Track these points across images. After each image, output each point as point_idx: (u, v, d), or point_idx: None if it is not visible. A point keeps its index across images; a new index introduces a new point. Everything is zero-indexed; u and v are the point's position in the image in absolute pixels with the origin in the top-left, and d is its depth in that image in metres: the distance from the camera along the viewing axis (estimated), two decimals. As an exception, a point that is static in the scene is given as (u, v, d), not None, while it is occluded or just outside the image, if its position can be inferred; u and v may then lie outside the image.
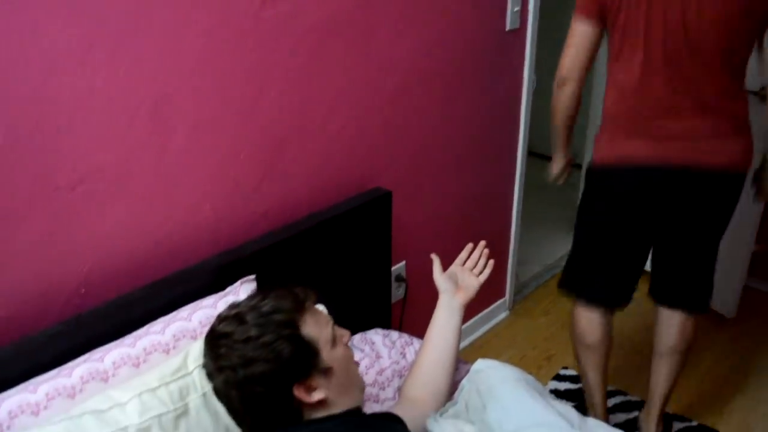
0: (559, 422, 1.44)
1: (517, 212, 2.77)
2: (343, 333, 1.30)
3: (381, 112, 1.95)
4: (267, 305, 1.19)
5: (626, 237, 1.99)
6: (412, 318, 2.31)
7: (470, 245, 1.70)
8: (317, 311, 1.25)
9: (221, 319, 1.20)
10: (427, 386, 1.54)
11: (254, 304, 1.19)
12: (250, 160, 1.63)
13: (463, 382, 1.62)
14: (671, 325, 2.12)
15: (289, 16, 1.60)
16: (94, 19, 1.25)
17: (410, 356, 1.79)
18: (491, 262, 1.67)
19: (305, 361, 1.17)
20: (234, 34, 1.50)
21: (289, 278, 1.68)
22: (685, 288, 2.09)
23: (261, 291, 1.24)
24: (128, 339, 1.30)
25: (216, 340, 1.17)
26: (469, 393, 1.57)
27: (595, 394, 2.19)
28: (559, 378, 2.56)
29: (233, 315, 1.19)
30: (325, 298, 1.76)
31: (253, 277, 1.50)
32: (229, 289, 1.47)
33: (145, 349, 1.29)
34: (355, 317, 1.87)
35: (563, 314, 2.98)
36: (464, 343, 2.68)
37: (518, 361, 2.67)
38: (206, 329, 1.37)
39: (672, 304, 2.10)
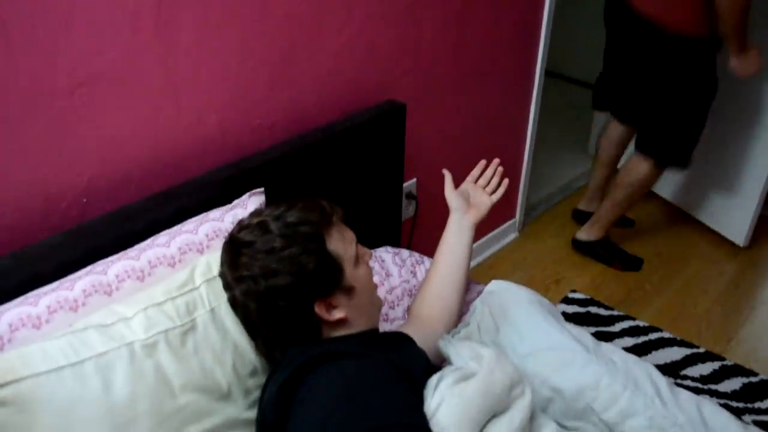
0: (574, 345, 1.41)
1: (532, 133, 2.68)
2: (366, 252, 1.25)
3: (396, 23, 1.84)
4: (293, 216, 1.13)
5: None
6: (422, 237, 2.27)
7: (483, 162, 1.63)
8: (343, 227, 1.20)
9: (243, 226, 1.14)
10: (437, 305, 1.50)
11: (279, 213, 1.13)
12: (258, 68, 1.54)
13: (476, 302, 1.59)
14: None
15: None
16: None
17: (420, 275, 1.75)
18: (505, 181, 1.60)
19: (329, 277, 1.12)
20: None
21: (298, 192, 1.63)
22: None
23: (286, 201, 1.18)
24: (132, 251, 1.25)
25: (237, 248, 1.12)
26: (482, 314, 1.53)
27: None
28: (567, 301, 2.54)
29: (256, 223, 1.13)
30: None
31: (261, 190, 1.44)
32: (236, 202, 1.41)
33: (149, 262, 1.23)
34: (364, 233, 1.82)
35: (573, 236, 2.93)
36: (473, 264, 2.64)
37: (526, 282, 2.56)
38: (213, 242, 1.33)
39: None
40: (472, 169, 1.62)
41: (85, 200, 1.32)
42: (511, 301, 1.52)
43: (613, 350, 1.48)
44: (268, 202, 1.44)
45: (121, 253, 1.24)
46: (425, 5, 1.90)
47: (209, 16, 1.39)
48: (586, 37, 3.54)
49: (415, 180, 2.16)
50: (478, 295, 1.72)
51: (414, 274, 1.75)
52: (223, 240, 1.21)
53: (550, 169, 3.37)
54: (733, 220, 2.88)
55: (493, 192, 1.59)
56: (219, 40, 1.43)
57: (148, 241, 1.28)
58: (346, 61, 1.75)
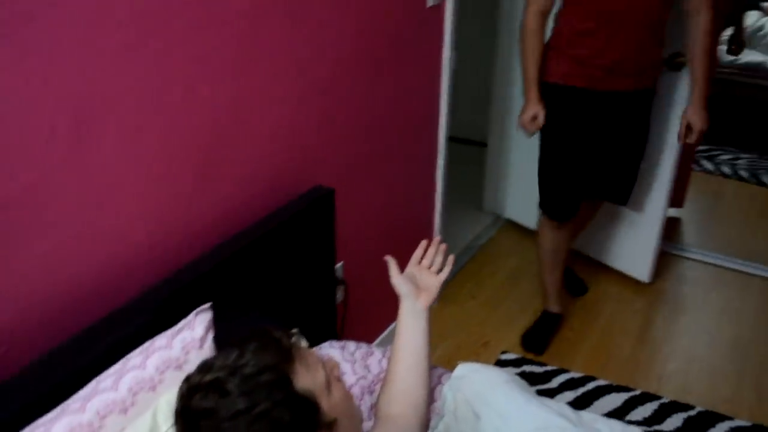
0: (560, 422, 1.34)
1: (441, 197, 2.66)
2: (332, 366, 1.13)
3: (312, 105, 1.76)
4: (249, 364, 0.98)
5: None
6: (354, 321, 2.16)
7: (424, 242, 1.56)
8: (304, 353, 1.07)
9: (194, 388, 0.97)
10: (404, 400, 1.38)
11: (232, 364, 0.98)
12: (182, 169, 1.40)
13: (445, 391, 1.49)
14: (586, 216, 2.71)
15: (214, 2, 1.38)
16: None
17: (374, 368, 1.64)
18: (451, 257, 1.54)
19: (307, 422, 0.99)
20: (158, 24, 1.26)
21: (238, 296, 1.48)
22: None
23: (233, 343, 1.03)
24: (74, 403, 1.05)
25: (194, 421, 0.95)
26: (456, 403, 1.44)
27: (555, 286, 2.69)
28: (501, 363, 2.50)
29: (209, 383, 0.96)
30: (270, 307, 1.61)
31: (208, 305, 1.28)
32: (182, 323, 1.24)
33: (98, 413, 1.05)
34: (300, 322, 1.70)
35: (490, 295, 2.93)
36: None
37: (455, 351, 2.59)
38: (166, 376, 1.16)
39: (597, 197, 2.60)
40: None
41: (3, 350, 1.11)
42: (485, 385, 1.44)
43: (596, 418, 1.44)
44: (218, 317, 1.29)
45: (61, 407, 1.05)
46: (338, 84, 1.84)
47: (128, 119, 1.24)
48: (465, 98, 3.64)
49: (341, 263, 2.06)
50: (439, 381, 1.64)
51: (368, 368, 1.64)
52: (177, 372, 1.05)
53: (451, 230, 3.38)
54: (635, 258, 3.00)
55: (440, 271, 1.53)
56: (140, 144, 1.28)
57: (91, 387, 1.09)
58: (270, 151, 1.64)
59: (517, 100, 3.25)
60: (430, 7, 2.20)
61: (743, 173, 4.21)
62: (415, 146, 2.40)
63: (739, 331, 2.74)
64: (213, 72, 1.41)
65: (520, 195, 3.42)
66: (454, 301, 2.89)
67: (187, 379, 1.01)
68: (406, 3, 2.08)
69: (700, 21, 2.21)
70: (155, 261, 1.38)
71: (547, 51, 2.28)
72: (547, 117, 2.31)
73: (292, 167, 1.74)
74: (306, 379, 1.02)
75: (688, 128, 2.36)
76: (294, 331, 1.13)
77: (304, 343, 1.15)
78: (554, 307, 2.69)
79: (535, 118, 2.30)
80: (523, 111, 2.32)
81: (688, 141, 2.40)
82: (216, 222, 1.52)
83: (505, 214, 3.54)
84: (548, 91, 2.30)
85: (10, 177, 1.06)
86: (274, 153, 1.66)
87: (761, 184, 4.12)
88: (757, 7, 4.98)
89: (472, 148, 4.06)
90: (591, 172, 2.44)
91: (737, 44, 3.91)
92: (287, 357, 1.02)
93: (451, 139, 2.63)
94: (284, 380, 0.99)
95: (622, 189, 2.55)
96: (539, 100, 2.29)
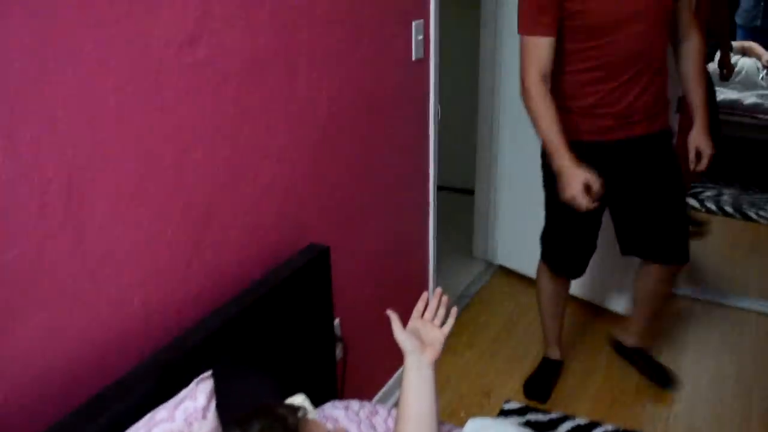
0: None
1: (434, 247, 2.65)
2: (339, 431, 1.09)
3: (303, 162, 1.75)
4: None
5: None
6: (353, 379, 2.11)
7: (425, 294, 1.54)
8: (312, 428, 1.03)
9: None
10: (417, 458, 1.34)
11: None
12: (178, 236, 1.37)
13: (458, 448, 1.45)
14: (648, 283, 2.46)
15: (210, 62, 1.38)
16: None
17: (381, 427, 1.60)
18: (454, 310, 1.52)
19: None
20: (151, 87, 1.25)
21: (237, 359, 1.44)
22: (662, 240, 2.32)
23: (237, 422, 0.99)
24: (74, 487, 1.00)
25: None
26: (469, 459, 1.40)
27: (554, 333, 2.62)
28: (504, 413, 2.45)
29: None
30: (270, 369, 1.57)
31: (209, 374, 1.24)
32: (183, 393, 1.20)
33: (100, 496, 1.00)
34: (299, 383, 1.65)
35: (487, 344, 2.89)
36: (394, 398, 2.49)
37: (457, 402, 2.53)
38: (170, 451, 1.11)
39: (650, 257, 2.38)
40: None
41: (-2, 431, 1.06)
42: (498, 440, 1.40)
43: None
44: (219, 387, 1.24)
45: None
46: (330, 141, 1.84)
47: (122, 186, 1.22)
48: (451, 147, 3.66)
49: (338, 320, 2.02)
50: (448, 437, 1.59)
51: (374, 427, 1.59)
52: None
53: (443, 279, 3.35)
54: (615, 292, 2.99)
55: (443, 323, 1.50)
56: (135, 212, 1.26)
57: (91, 468, 1.04)
58: (263, 211, 1.62)
59: (502, 145, 3.28)
60: (415, 61, 2.22)
61: (728, 208, 4.24)
62: (406, 197, 2.39)
63: (741, 366, 2.71)
64: (205, 136, 1.40)
65: (509, 241, 3.42)
66: (452, 352, 2.84)
67: None
68: (393, 57, 2.10)
69: (692, 45, 2.19)
70: (153, 329, 1.34)
71: None
72: (549, 181, 2.21)
73: (285, 225, 1.71)
74: None
75: (698, 155, 2.26)
76: (299, 402, 1.09)
77: (311, 414, 1.11)
78: (554, 354, 2.65)
79: (587, 185, 1.96)
80: (565, 185, 2.00)
81: (699, 168, 2.28)
82: (212, 286, 1.49)
83: (497, 261, 3.53)
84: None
85: (1, 248, 1.03)
86: (268, 212, 1.64)
87: (747, 218, 4.15)
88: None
89: (460, 196, 4.07)
90: (628, 230, 2.32)
91: (727, 68, 3.96)
92: None
93: (439, 188, 2.63)
94: None
95: (675, 245, 2.31)
96: (578, 163, 1.98)
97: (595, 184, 1.96)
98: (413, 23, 2.17)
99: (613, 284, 3.01)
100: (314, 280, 1.72)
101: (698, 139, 2.25)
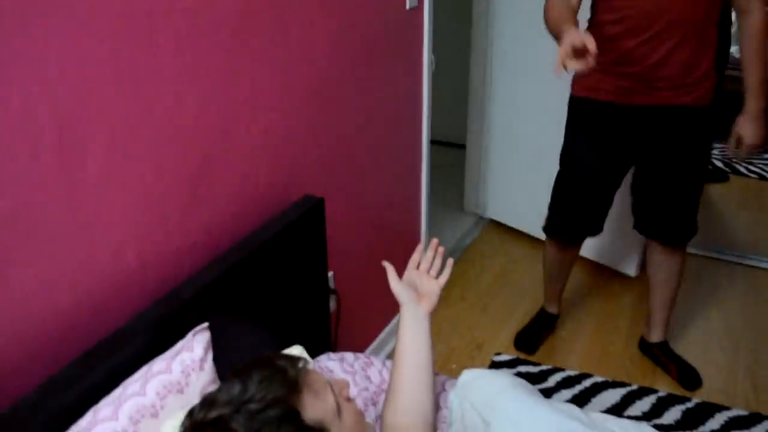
0: (574, 426, 1.31)
1: (426, 199, 2.64)
2: (341, 386, 1.09)
3: (298, 113, 1.72)
4: (254, 399, 0.94)
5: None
6: (346, 331, 2.11)
7: (420, 246, 1.53)
8: (311, 380, 1.02)
9: (198, 426, 0.93)
10: (411, 409, 1.35)
11: (237, 398, 0.94)
12: (172, 186, 1.34)
13: (451, 398, 1.46)
14: (655, 261, 2.35)
15: (202, 8, 1.33)
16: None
17: (375, 378, 1.60)
18: (450, 261, 1.51)
19: None
20: (144, 34, 1.21)
21: (232, 310, 1.43)
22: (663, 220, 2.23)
23: (236, 373, 0.98)
24: (73, 437, 1.00)
25: None
26: (463, 410, 1.41)
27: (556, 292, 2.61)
28: (495, 365, 2.47)
29: (213, 420, 0.92)
30: (265, 320, 1.57)
31: (206, 325, 1.23)
32: (180, 345, 1.19)
33: (99, 446, 0.99)
34: (296, 334, 1.66)
35: (479, 297, 2.91)
36: (387, 350, 2.51)
37: (449, 354, 2.55)
38: (167, 401, 1.11)
39: (650, 235, 2.29)
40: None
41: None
42: (492, 390, 1.40)
43: (606, 418, 1.41)
44: (216, 340, 1.24)
45: (60, 443, 0.99)
46: (325, 89, 1.80)
47: (116, 135, 1.19)
48: (442, 101, 3.62)
49: (332, 273, 2.02)
50: (443, 388, 1.60)
51: (369, 378, 1.60)
52: (179, 396, 1.00)
53: (435, 232, 3.35)
54: (622, 253, 2.99)
55: (439, 274, 1.49)
56: (129, 161, 1.23)
57: (89, 417, 1.04)
58: (257, 162, 1.59)
59: (494, 99, 3.24)
60: (409, 10, 2.17)
61: (717, 163, 4.25)
62: (399, 150, 2.36)
63: (728, 320, 2.75)
64: (199, 84, 1.36)
65: (500, 195, 3.41)
66: (444, 304, 2.85)
67: (190, 414, 0.96)
68: (386, 7, 2.05)
69: (750, 21, 1.96)
70: (148, 281, 1.33)
71: None
72: (567, 134, 2.15)
73: (279, 177, 1.69)
74: (315, 409, 0.98)
75: (739, 141, 2.07)
76: (297, 354, 1.08)
77: (310, 366, 1.10)
78: (553, 308, 2.66)
79: (574, 46, 1.60)
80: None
81: (737, 156, 2.15)
82: (207, 237, 1.47)
83: (487, 214, 3.53)
84: (571, 104, 2.14)
85: (-5, 200, 1.00)
86: (262, 164, 1.61)
87: (736, 172, 4.16)
88: None
89: (451, 150, 4.05)
90: (641, 205, 2.23)
91: None
92: (294, 388, 0.98)
93: (431, 142, 2.60)
94: (292, 414, 0.94)
95: (672, 228, 2.22)
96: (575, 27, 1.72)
97: (590, 44, 1.56)
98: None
99: (624, 246, 3.01)
100: (309, 231, 1.70)
101: (743, 126, 2.04)
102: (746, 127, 2.03)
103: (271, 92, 1.59)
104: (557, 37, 1.75)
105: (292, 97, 1.68)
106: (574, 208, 2.26)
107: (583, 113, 2.11)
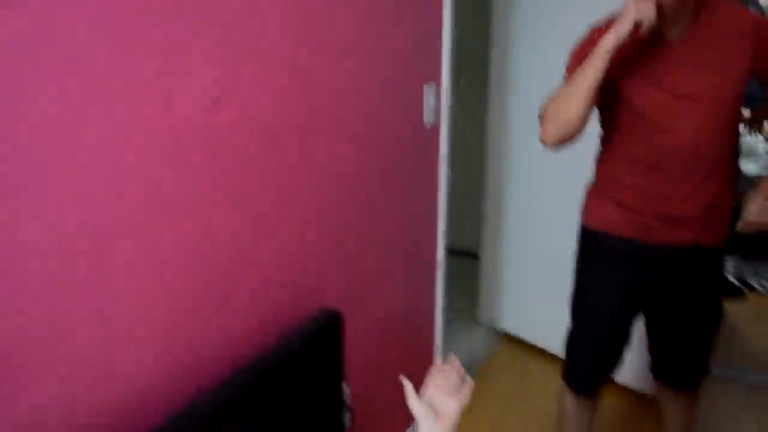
0: None
1: (441, 310, 2.62)
2: None
3: (320, 224, 1.75)
4: None
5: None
6: (360, 449, 2.05)
7: (438, 361, 1.50)
8: None
9: None
10: None
11: None
12: (196, 299, 1.35)
13: None
14: (670, 408, 2.18)
15: (231, 123, 1.38)
16: (24, 151, 0.96)
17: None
18: (469, 381, 1.47)
19: None
20: (177, 148, 1.25)
21: (246, 425, 1.39)
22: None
23: None
24: None
25: None
26: None
27: None
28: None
29: None
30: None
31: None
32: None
33: None
34: None
35: (493, 421, 2.83)
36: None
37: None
38: None
39: (665, 382, 2.13)
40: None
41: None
42: None
43: None
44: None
45: None
46: (340, 205, 1.83)
47: (146, 250, 1.20)
48: (456, 210, 3.67)
49: (348, 389, 1.98)
50: None
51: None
52: None
53: (448, 345, 3.30)
54: (641, 371, 2.93)
55: (458, 393, 1.45)
56: (156, 276, 1.24)
57: None
58: (279, 274, 1.60)
59: (508, 209, 3.28)
60: (427, 127, 2.24)
61: (731, 278, 4.23)
62: (415, 261, 2.37)
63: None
64: (227, 198, 1.39)
65: (515, 307, 3.39)
66: (466, 424, 2.76)
67: None
68: (406, 124, 2.11)
69: None
70: (166, 395, 1.30)
71: (587, 192, 1.99)
72: (580, 269, 2.03)
73: (297, 289, 1.69)
74: None
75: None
76: None
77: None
78: None
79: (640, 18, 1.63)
80: (618, 26, 1.65)
81: (735, 229, 1.98)
82: (227, 350, 1.45)
83: (502, 327, 3.49)
84: (586, 237, 2.00)
85: (22, 308, 1.00)
86: (281, 276, 1.62)
87: (750, 288, 4.13)
88: None
89: (465, 260, 4.06)
90: (657, 348, 2.09)
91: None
92: None
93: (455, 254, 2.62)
94: None
95: (687, 372, 2.07)
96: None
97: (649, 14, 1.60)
98: (425, 86, 2.20)
99: (642, 365, 2.89)
100: (326, 346, 1.68)
101: (748, 198, 1.81)
102: (750, 203, 1.80)
103: (294, 206, 1.62)
104: (584, 74, 1.70)
105: (312, 211, 1.71)
106: (591, 356, 2.07)
107: (597, 248, 1.98)
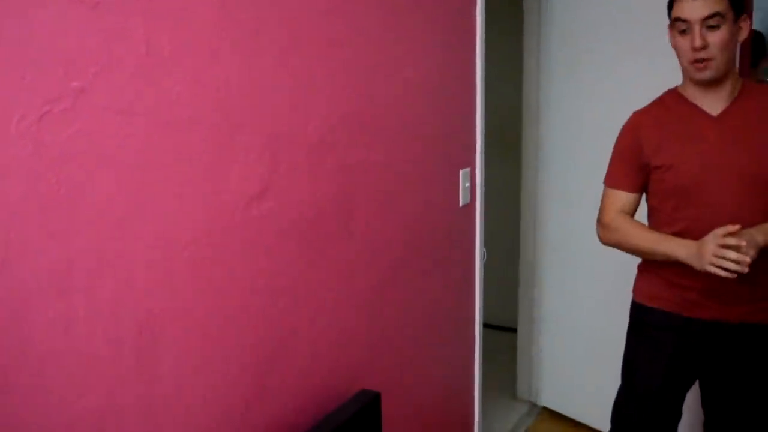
0: None
1: (479, 386, 2.61)
2: None
3: (360, 306, 1.80)
4: None
5: None
6: None
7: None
8: None
9: None
10: None
11: None
12: (236, 383, 1.39)
13: None
14: None
15: (274, 214, 1.45)
16: (77, 235, 1.04)
17: None
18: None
19: None
20: (221, 241, 1.32)
21: None
22: None
23: None
24: None
25: None
26: None
27: None
28: None
29: None
30: None
31: None
32: None
33: None
34: None
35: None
36: None
37: None
38: None
39: None
40: None
41: None
42: None
43: None
44: None
45: None
46: (383, 288, 1.88)
47: (191, 336, 1.26)
48: (490, 283, 3.68)
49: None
50: None
51: None
52: None
53: (487, 421, 3.26)
54: None
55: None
56: (201, 360, 1.29)
57: None
58: (318, 356, 1.65)
59: (543, 283, 3.29)
60: (462, 207, 2.30)
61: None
62: (453, 338, 2.39)
63: None
64: (270, 284, 1.45)
65: (554, 381, 3.34)
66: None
67: None
68: (442, 204, 2.18)
69: None
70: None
71: (638, 266, 2.03)
72: (628, 343, 2.04)
73: (336, 371, 1.73)
74: None
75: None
76: None
77: None
78: None
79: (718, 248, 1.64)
80: (700, 256, 1.69)
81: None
82: (267, 433, 1.49)
83: (541, 402, 3.44)
84: (633, 312, 2.02)
85: (75, 399, 1.06)
86: (321, 358, 1.66)
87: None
88: None
89: (502, 334, 4.04)
90: (713, 422, 2.03)
91: None
92: None
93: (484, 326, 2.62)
94: None
95: None
96: (694, 241, 1.73)
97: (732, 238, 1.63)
98: (461, 172, 2.27)
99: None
100: (365, 426, 1.70)
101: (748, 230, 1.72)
102: (749, 235, 1.68)
103: (333, 291, 1.68)
104: (658, 254, 1.84)
105: (351, 295, 1.76)
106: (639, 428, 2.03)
107: (643, 322, 1.99)
